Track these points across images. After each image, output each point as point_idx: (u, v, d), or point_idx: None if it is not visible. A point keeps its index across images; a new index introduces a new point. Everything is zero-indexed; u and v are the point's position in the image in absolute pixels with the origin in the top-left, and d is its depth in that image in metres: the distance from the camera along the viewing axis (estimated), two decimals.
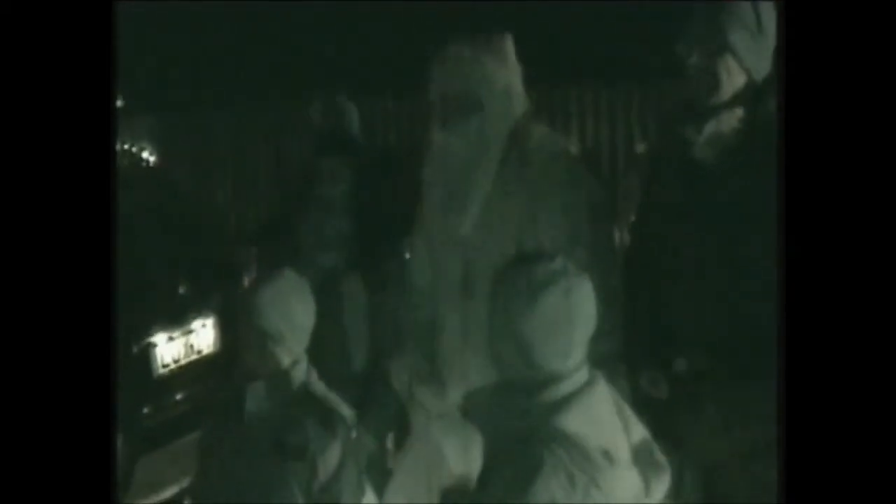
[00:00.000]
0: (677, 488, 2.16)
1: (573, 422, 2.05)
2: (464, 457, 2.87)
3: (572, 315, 2.10)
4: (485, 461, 2.15)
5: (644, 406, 2.26)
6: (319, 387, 2.86)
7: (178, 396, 4.82)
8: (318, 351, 3.00)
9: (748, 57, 2.56)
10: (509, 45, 2.96)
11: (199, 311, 4.99)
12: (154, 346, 4.70)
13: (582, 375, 2.13)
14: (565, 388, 2.10)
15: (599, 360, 2.20)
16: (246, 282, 4.87)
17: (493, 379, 2.71)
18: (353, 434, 2.83)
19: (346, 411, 2.84)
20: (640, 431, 2.12)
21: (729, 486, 2.53)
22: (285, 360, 2.81)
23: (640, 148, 2.74)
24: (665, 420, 2.14)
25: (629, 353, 2.62)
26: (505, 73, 2.93)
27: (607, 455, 2.03)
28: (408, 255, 3.20)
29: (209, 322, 5.04)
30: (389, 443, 3.82)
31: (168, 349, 4.77)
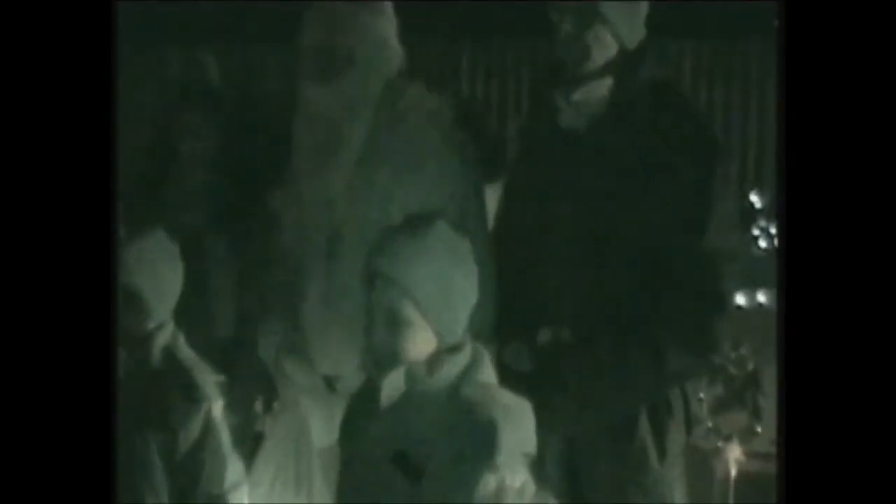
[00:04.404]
0: (539, 462, 2.13)
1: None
2: (329, 430, 2.80)
3: (460, 280, 2.06)
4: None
5: (507, 379, 2.22)
6: (185, 353, 2.77)
7: None
8: (183, 315, 2.91)
9: (620, 26, 2.52)
10: None
11: None
12: None
13: (469, 349, 2.09)
14: (461, 360, 2.06)
15: (474, 333, 2.16)
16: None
17: (357, 350, 2.67)
18: (220, 403, 2.76)
19: (213, 379, 2.76)
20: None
21: (591, 461, 2.52)
22: (149, 324, 2.72)
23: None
24: (527, 393, 2.11)
25: (498, 325, 2.59)
26: (380, 26, 2.79)
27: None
28: (274, 216, 3.07)
29: None
30: (258, 406, 3.75)
31: None
